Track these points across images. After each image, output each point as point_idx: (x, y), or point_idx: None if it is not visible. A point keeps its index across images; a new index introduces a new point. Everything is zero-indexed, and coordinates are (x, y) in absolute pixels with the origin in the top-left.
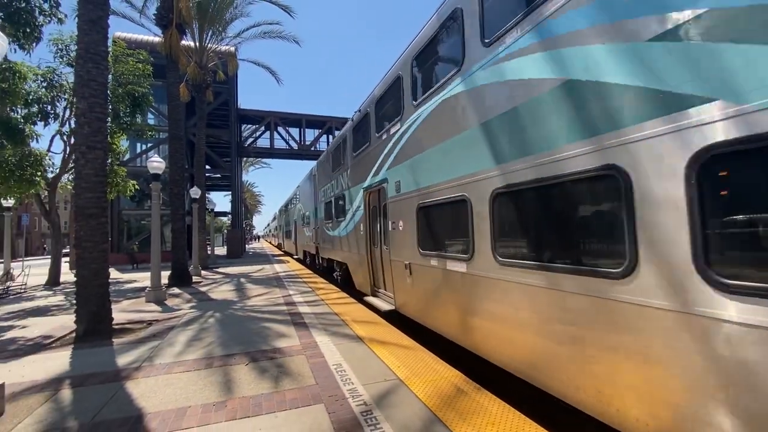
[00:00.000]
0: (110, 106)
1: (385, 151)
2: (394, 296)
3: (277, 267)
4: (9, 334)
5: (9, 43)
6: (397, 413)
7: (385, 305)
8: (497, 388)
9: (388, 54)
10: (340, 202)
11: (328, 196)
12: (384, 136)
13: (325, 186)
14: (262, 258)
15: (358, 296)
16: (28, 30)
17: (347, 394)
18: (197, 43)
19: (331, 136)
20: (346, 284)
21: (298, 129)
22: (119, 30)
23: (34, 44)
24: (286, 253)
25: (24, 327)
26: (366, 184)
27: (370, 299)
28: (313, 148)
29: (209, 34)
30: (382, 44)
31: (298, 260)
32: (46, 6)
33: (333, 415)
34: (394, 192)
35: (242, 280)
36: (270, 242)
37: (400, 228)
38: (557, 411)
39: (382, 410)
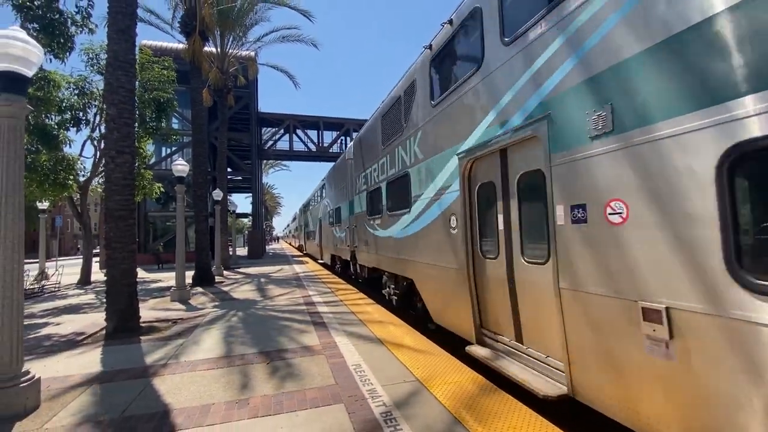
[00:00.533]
0: (137, 112)
1: (548, 55)
2: (567, 368)
3: (297, 268)
4: (44, 331)
5: (44, 54)
6: (416, 415)
7: (533, 380)
8: (519, 392)
9: (401, 55)
10: (400, 187)
11: (373, 182)
12: (541, 28)
13: (369, 168)
14: (282, 259)
15: (435, 331)
16: (61, 40)
17: (367, 394)
18: (219, 49)
19: (348, 138)
20: (407, 308)
21: (316, 131)
22: (144, 38)
23: (67, 54)
24: (308, 256)
25: (58, 324)
26: (468, 145)
27: (479, 352)
28: (331, 150)
29: (230, 40)
30: (394, 45)
31: (323, 266)
32: (78, 17)
33: (353, 416)
34: (585, 138)
35: (263, 280)
36: (290, 243)
37: (623, 217)
38: (581, 415)
39: (402, 411)
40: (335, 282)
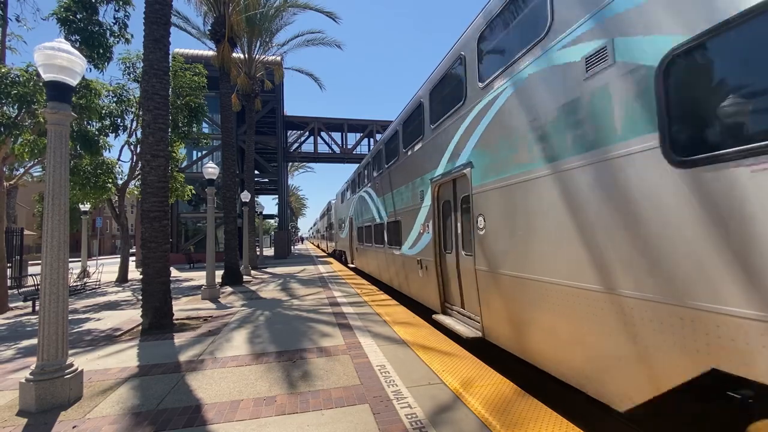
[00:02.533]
0: (170, 117)
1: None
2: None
3: (321, 268)
4: (86, 326)
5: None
6: (443, 419)
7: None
8: (547, 398)
9: (428, 50)
10: None
11: None
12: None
13: None
14: (307, 259)
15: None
16: (101, 51)
17: (392, 395)
18: (246, 55)
19: (372, 140)
20: None
21: (340, 133)
22: (176, 46)
23: (106, 63)
24: (358, 272)
25: (98, 320)
26: None
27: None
28: (355, 152)
29: (257, 46)
30: (418, 39)
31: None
32: (116, 29)
33: (378, 416)
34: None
35: (289, 279)
36: (317, 245)
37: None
38: (617, 424)
39: (428, 415)
40: (359, 282)
